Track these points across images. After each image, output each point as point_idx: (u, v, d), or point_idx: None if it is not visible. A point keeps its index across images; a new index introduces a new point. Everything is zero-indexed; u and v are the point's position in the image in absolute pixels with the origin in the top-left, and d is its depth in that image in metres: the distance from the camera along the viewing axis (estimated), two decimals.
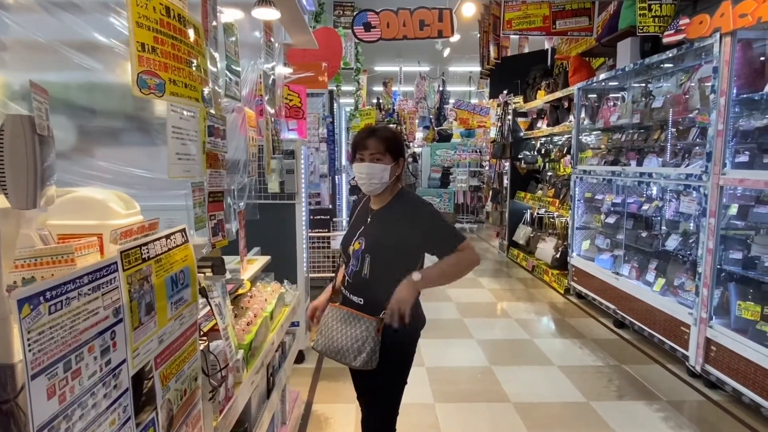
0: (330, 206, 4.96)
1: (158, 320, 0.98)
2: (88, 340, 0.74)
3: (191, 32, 1.17)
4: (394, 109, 13.37)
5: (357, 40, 4.68)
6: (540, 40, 7.11)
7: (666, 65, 4.03)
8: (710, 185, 3.17)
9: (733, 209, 3.10)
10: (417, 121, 11.82)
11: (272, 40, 2.74)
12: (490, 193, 8.15)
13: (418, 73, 11.42)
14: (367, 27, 4.48)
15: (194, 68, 1.14)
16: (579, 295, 5.15)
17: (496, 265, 7.01)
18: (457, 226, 10.39)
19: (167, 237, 1.07)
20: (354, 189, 6.69)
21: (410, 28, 4.37)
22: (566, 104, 5.71)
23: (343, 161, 7.52)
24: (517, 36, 5.80)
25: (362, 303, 1.83)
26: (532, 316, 4.76)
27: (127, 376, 0.86)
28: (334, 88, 5.66)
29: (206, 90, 1.27)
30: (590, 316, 4.74)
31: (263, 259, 2.59)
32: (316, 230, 4.31)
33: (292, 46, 3.57)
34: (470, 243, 1.77)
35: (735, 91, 3.03)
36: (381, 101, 13.80)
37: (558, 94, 5.74)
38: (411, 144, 13.92)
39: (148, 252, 0.95)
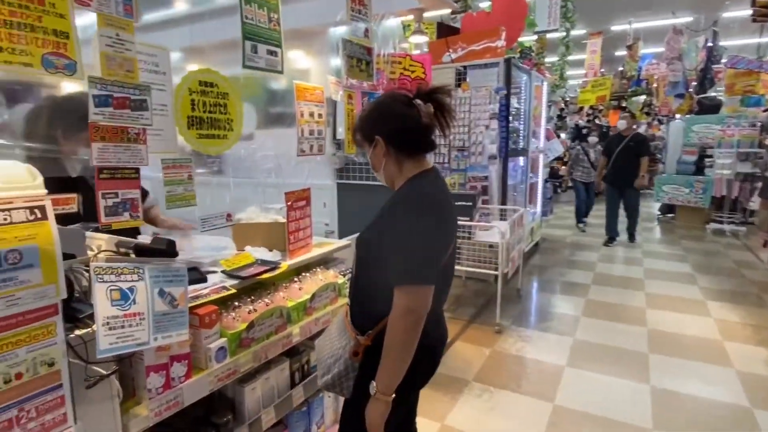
0: (476, 192, 4.37)
1: None
2: None
3: None
4: (639, 76, 10.98)
5: None
6: None
7: None
8: None
9: None
10: (666, 88, 9.29)
11: (365, 2, 2.48)
12: (761, 184, 5.73)
13: (671, 27, 8.86)
14: None
15: (23, 29, 1.04)
16: None
17: (750, 286, 4.92)
18: (713, 226, 7.83)
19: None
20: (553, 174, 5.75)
21: None
22: None
23: (541, 142, 6.57)
24: None
25: (351, 310, 1.49)
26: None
27: None
28: (515, 56, 4.89)
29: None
30: None
31: (332, 244, 2.40)
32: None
33: (421, 9, 3.19)
34: (421, 293, 1.21)
35: None
36: (624, 68, 11.54)
37: None
38: (664, 118, 11.16)
39: None
